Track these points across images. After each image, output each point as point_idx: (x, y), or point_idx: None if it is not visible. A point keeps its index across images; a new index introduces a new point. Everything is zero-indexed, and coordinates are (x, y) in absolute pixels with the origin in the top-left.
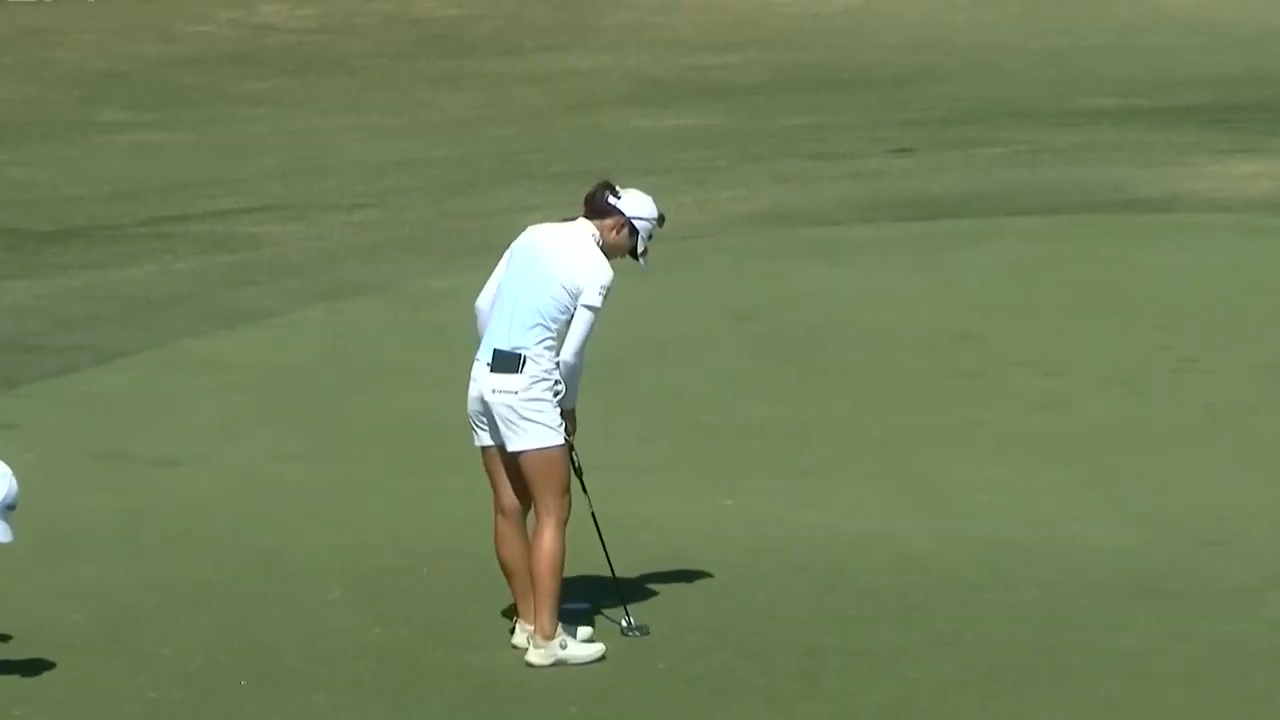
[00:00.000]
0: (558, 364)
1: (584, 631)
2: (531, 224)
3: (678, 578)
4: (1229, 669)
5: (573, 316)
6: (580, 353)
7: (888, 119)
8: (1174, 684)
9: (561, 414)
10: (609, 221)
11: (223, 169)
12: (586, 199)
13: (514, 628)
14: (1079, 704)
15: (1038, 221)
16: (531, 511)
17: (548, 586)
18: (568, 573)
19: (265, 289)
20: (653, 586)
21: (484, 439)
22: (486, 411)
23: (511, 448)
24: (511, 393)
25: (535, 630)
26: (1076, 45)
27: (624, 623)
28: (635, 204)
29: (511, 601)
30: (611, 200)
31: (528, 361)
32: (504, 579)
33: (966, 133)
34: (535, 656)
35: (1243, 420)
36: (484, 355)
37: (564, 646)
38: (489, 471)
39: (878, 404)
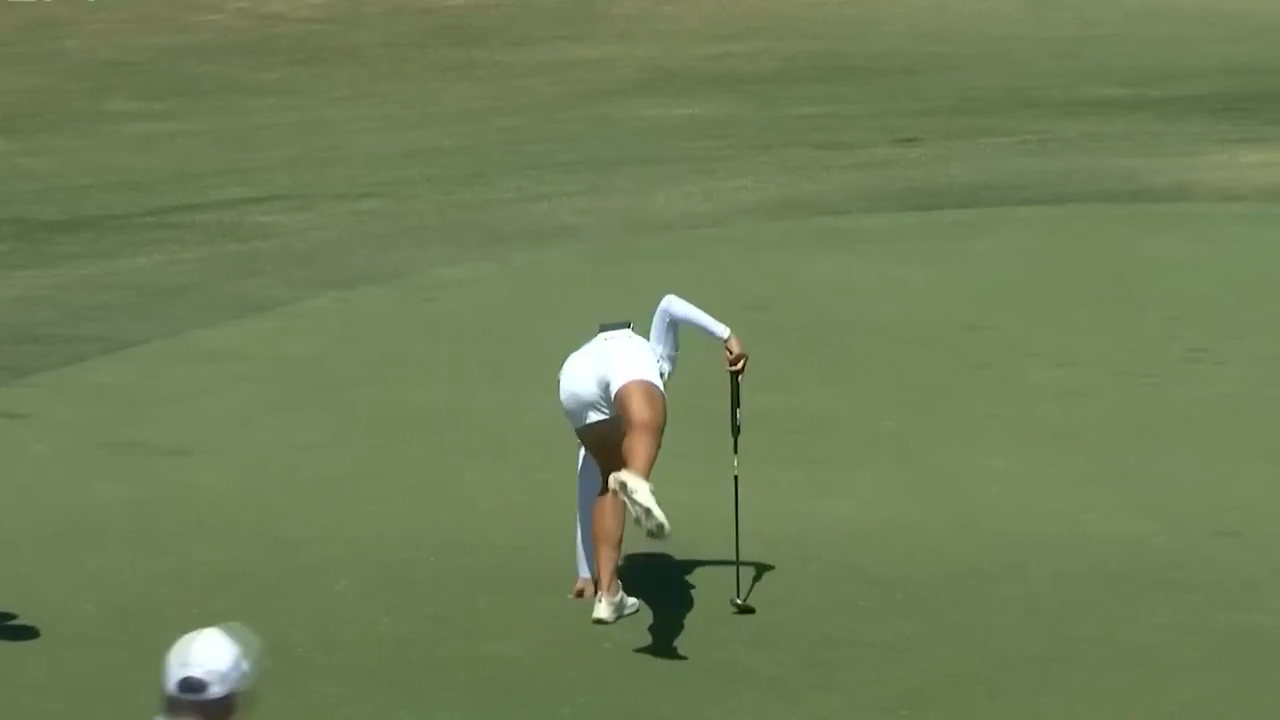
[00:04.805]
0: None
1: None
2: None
3: (689, 567)
4: (1241, 660)
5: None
6: (689, 308)
7: (896, 108)
8: (1186, 675)
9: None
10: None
11: (232, 159)
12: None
13: (599, 597)
14: (1091, 695)
15: (1047, 211)
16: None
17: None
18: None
19: (274, 279)
20: (664, 575)
21: (583, 419)
22: (587, 388)
23: (622, 379)
24: (625, 334)
25: (633, 468)
26: (1085, 35)
27: (735, 600)
28: None
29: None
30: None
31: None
32: (596, 558)
33: (975, 122)
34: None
35: (1254, 411)
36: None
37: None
38: (593, 451)
39: (888, 395)
